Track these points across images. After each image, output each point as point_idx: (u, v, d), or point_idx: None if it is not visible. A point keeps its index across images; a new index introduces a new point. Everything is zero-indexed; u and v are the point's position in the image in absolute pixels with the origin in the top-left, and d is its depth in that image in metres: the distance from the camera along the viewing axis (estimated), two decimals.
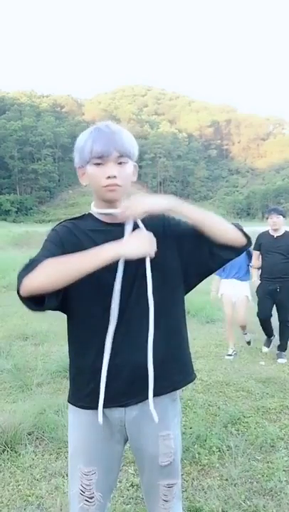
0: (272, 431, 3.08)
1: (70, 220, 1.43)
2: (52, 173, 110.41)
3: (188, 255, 1.41)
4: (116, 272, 1.28)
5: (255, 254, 5.03)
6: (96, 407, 1.32)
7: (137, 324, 1.32)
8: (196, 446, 2.84)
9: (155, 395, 1.33)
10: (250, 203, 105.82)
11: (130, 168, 1.36)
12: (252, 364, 4.72)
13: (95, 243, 1.28)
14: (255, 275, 5.08)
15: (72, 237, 1.35)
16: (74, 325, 1.41)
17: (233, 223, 1.46)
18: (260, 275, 5.04)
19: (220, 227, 1.39)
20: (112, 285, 1.29)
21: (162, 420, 1.38)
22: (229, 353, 5.01)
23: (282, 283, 4.84)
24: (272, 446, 2.93)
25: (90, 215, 1.43)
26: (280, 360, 4.83)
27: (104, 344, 1.30)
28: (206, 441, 2.90)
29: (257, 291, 5.07)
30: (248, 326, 5.33)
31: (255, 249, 4.99)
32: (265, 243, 4.95)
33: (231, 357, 4.96)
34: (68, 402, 1.45)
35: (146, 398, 1.33)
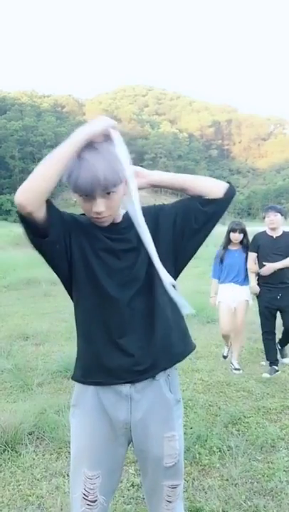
0: (272, 431, 3.08)
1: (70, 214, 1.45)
2: None
3: (179, 227, 1.42)
4: (119, 259, 1.35)
5: (252, 256, 4.48)
6: (105, 383, 1.35)
7: (142, 301, 1.36)
8: (196, 446, 2.84)
9: (163, 368, 1.38)
10: (251, 203, 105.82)
11: (120, 193, 1.30)
12: (252, 364, 4.71)
13: (95, 236, 1.35)
14: (254, 280, 4.49)
15: (75, 221, 1.38)
16: (79, 306, 1.42)
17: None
18: (258, 281, 4.48)
19: (200, 181, 1.43)
20: (117, 267, 1.35)
21: (167, 421, 1.39)
22: (224, 353, 4.85)
23: (284, 290, 4.31)
24: (273, 446, 2.93)
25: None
26: (285, 360, 4.69)
27: (111, 320, 1.34)
28: (206, 441, 2.90)
29: (258, 300, 4.52)
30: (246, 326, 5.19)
31: (251, 250, 4.49)
32: (263, 245, 4.41)
33: (225, 357, 4.81)
34: (76, 380, 1.44)
35: (155, 373, 1.37)
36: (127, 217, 1.38)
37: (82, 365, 1.42)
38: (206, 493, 2.43)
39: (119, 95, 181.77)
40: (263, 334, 4.49)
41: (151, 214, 1.41)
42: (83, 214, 1.40)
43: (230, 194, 1.42)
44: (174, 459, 1.41)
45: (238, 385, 4.04)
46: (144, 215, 1.32)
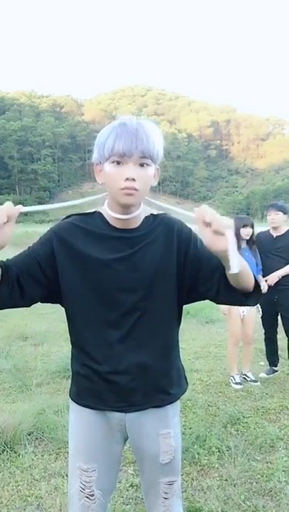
0: (271, 431, 3.08)
1: (78, 215, 1.36)
2: (51, 173, 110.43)
3: (190, 278, 1.33)
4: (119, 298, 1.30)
5: None
6: (98, 408, 1.36)
7: (141, 335, 1.33)
8: (195, 446, 2.84)
9: (154, 406, 1.38)
10: (250, 203, 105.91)
11: (152, 171, 1.25)
12: (252, 364, 4.71)
13: (97, 249, 1.29)
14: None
15: (70, 239, 1.31)
16: (74, 330, 1.41)
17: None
18: None
19: (248, 277, 1.24)
20: (115, 298, 1.30)
21: (162, 419, 1.40)
22: (236, 380, 4.08)
23: (281, 292, 4.11)
24: (272, 446, 2.93)
25: (99, 214, 1.34)
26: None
27: (105, 350, 1.33)
28: (205, 441, 2.90)
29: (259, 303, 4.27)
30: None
31: None
32: (263, 244, 4.24)
33: (240, 385, 4.01)
34: (70, 398, 1.45)
35: (146, 408, 1.37)
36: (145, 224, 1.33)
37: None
38: (205, 493, 2.43)
39: (118, 95, 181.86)
40: (265, 340, 4.43)
41: (169, 226, 1.34)
42: (92, 213, 1.35)
43: (256, 300, 1.27)
44: (169, 455, 1.41)
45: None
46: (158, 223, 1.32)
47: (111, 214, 1.31)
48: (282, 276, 4.10)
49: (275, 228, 4.23)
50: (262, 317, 4.37)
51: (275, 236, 4.23)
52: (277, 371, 4.34)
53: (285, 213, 4.17)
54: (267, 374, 4.31)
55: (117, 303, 1.30)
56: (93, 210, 1.36)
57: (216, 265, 1.24)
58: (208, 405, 3.58)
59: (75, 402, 1.42)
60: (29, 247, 1.34)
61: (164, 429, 1.40)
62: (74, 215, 1.36)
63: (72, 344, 1.42)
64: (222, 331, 5.99)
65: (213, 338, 5.72)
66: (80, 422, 1.42)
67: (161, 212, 1.41)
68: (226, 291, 1.26)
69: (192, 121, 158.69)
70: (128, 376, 1.33)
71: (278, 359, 4.42)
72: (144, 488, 1.53)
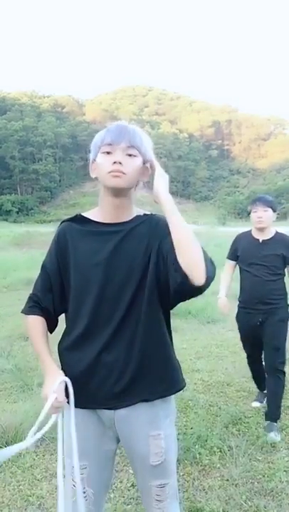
0: None
1: (66, 220, 1.48)
2: (53, 173, 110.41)
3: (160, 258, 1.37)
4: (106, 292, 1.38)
5: (229, 265, 3.39)
6: (86, 407, 1.39)
7: (128, 331, 1.37)
8: (196, 446, 2.84)
9: (144, 400, 1.38)
10: None
11: (139, 162, 1.36)
12: None
13: (89, 247, 1.39)
14: (224, 289, 3.37)
15: (67, 242, 1.42)
16: (67, 327, 1.48)
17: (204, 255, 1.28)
18: (238, 299, 3.32)
19: (194, 249, 1.26)
20: (102, 294, 1.37)
21: (152, 421, 1.40)
22: (261, 401, 3.56)
23: (267, 314, 3.09)
24: (273, 446, 2.92)
25: (81, 217, 1.46)
26: (271, 435, 3.01)
27: (94, 348, 1.37)
28: (206, 441, 2.90)
29: (237, 320, 3.37)
30: None
31: (229, 257, 3.38)
32: (244, 250, 3.23)
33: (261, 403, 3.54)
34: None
35: (135, 403, 1.38)
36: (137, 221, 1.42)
37: None
38: (206, 493, 2.43)
39: (119, 95, 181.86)
40: (249, 364, 3.53)
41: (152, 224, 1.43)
42: (74, 217, 1.46)
43: (205, 286, 1.25)
44: (160, 457, 1.40)
45: (239, 385, 4.04)
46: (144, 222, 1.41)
47: (103, 209, 1.42)
48: (269, 292, 3.10)
49: (261, 230, 3.16)
50: (242, 340, 3.44)
51: (260, 240, 3.17)
52: (266, 395, 3.44)
53: (274, 211, 3.16)
54: (260, 402, 3.53)
55: (106, 298, 1.36)
56: (75, 215, 1.47)
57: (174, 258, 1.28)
58: (210, 405, 3.57)
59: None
60: (42, 266, 1.47)
61: (154, 430, 1.40)
62: (63, 221, 1.48)
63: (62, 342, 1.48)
64: (223, 330, 5.99)
65: (215, 338, 5.72)
66: (70, 419, 1.42)
67: (154, 213, 1.47)
68: (174, 273, 1.26)
69: (193, 121, 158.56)
70: (116, 371, 1.35)
71: None
72: (139, 489, 1.54)
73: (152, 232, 1.38)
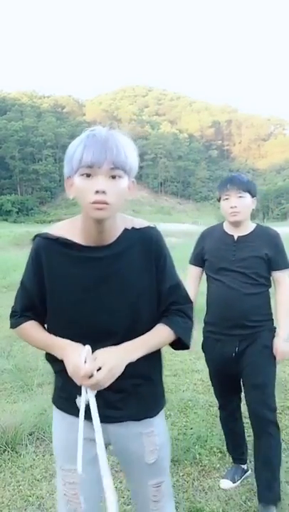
0: None
1: (43, 236, 1.34)
2: (53, 173, 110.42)
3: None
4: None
5: (193, 273, 2.45)
6: (76, 415, 1.27)
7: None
8: (196, 446, 2.84)
9: (132, 419, 1.36)
10: None
11: (124, 183, 1.18)
12: None
13: (65, 267, 1.28)
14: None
15: (41, 259, 1.32)
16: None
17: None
18: (204, 320, 2.43)
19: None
20: (92, 322, 1.30)
21: (144, 419, 1.38)
22: None
23: (246, 341, 2.22)
24: None
25: (63, 240, 1.29)
26: None
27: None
28: (206, 441, 2.89)
29: (203, 351, 2.49)
30: None
31: (192, 261, 2.45)
32: (212, 251, 2.31)
33: None
34: (52, 402, 1.46)
35: (124, 420, 1.35)
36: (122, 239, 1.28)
37: None
38: (206, 493, 2.43)
39: (119, 96, 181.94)
40: (219, 409, 2.59)
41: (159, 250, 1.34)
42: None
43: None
44: (155, 454, 1.39)
45: None
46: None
47: (85, 231, 1.25)
48: (249, 310, 2.20)
49: (235, 224, 2.25)
50: (211, 378, 2.52)
51: (236, 237, 2.26)
52: (247, 471, 2.56)
53: (253, 195, 2.23)
54: (232, 482, 2.48)
55: (95, 329, 1.29)
56: (56, 237, 1.30)
57: (168, 292, 1.36)
58: (210, 406, 3.57)
59: (55, 406, 1.44)
60: (21, 282, 1.40)
61: (146, 428, 1.38)
62: (39, 235, 1.36)
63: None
64: None
65: None
66: (61, 424, 1.41)
67: (145, 225, 1.34)
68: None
69: (193, 121, 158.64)
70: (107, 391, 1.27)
71: (247, 449, 2.61)
72: (132, 494, 1.51)
73: (145, 256, 1.31)
